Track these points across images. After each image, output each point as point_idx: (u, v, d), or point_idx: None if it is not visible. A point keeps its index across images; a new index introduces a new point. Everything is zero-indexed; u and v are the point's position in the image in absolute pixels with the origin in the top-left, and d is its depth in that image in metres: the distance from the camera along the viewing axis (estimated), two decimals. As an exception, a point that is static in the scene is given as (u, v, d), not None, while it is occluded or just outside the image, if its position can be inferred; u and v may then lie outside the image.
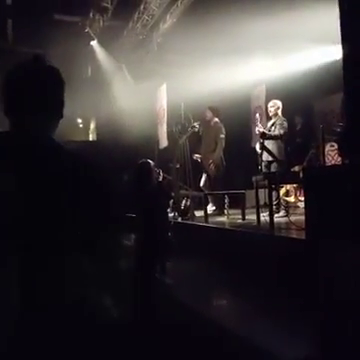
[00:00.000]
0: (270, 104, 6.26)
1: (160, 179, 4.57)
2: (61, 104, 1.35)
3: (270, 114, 6.30)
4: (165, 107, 10.04)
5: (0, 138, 1.21)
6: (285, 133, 6.05)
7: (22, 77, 1.28)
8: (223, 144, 7.26)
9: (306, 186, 3.71)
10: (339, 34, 3.40)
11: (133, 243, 4.65)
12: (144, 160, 4.27)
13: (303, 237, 3.80)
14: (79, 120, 11.97)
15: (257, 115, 6.46)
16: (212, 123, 7.35)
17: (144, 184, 4.21)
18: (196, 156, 7.59)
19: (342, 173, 3.45)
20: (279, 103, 6.24)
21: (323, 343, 2.54)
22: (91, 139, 12.06)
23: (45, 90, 1.30)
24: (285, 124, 6.11)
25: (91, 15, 8.78)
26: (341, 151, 4.24)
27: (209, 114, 7.37)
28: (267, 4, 6.70)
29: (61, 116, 1.36)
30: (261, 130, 6.05)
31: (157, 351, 2.61)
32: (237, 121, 8.10)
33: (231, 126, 7.73)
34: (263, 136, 6.01)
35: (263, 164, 6.01)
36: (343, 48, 3.35)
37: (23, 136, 1.24)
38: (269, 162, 6.04)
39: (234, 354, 2.54)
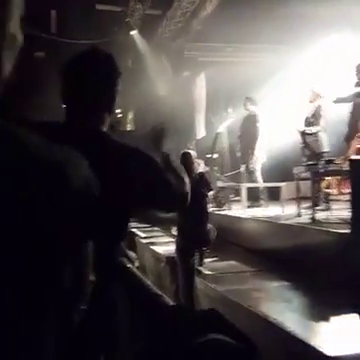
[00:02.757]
0: (309, 90, 6.09)
1: (201, 170, 4.57)
2: (113, 99, 1.36)
3: (310, 100, 6.13)
4: (203, 96, 10.00)
5: (59, 129, 1.24)
6: (325, 123, 5.91)
7: (80, 69, 1.30)
8: (261, 134, 7.15)
9: (353, 178, 3.61)
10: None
11: (174, 233, 4.71)
12: (186, 150, 4.28)
13: (345, 230, 3.73)
14: (118, 110, 12.10)
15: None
16: (250, 113, 7.24)
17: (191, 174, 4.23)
18: (237, 147, 7.50)
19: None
20: (318, 89, 6.05)
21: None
22: (129, 129, 12.20)
23: (102, 84, 1.31)
24: (324, 113, 5.94)
25: (131, 4, 8.80)
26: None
27: (247, 104, 7.27)
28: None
29: (112, 111, 1.37)
30: (300, 130, 5.93)
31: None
32: (277, 110, 7.94)
33: (271, 116, 7.59)
34: (303, 134, 5.89)
35: (305, 156, 5.90)
36: None
37: (80, 128, 1.27)
38: (311, 154, 5.91)
39: (276, 347, 2.54)
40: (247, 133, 7.20)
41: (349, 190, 4.36)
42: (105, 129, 1.33)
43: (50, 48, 9.11)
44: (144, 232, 7.13)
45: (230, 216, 6.13)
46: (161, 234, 7.10)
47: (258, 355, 0.78)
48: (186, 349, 0.70)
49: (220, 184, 7.21)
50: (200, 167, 4.57)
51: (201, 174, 4.51)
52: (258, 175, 7.04)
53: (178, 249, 4.42)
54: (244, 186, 6.51)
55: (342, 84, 6.16)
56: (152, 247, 5.90)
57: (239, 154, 7.44)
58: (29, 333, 0.49)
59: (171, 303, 0.91)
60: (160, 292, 1.06)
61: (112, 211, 1.07)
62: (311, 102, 6.10)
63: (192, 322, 0.77)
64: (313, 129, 5.92)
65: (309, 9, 6.97)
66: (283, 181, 6.65)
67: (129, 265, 1.55)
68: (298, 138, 6.10)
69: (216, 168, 7.97)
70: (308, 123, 6.04)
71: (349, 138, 5.38)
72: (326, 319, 2.90)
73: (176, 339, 0.72)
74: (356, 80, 5.55)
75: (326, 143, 5.96)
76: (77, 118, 1.28)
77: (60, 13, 9.33)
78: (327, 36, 7.42)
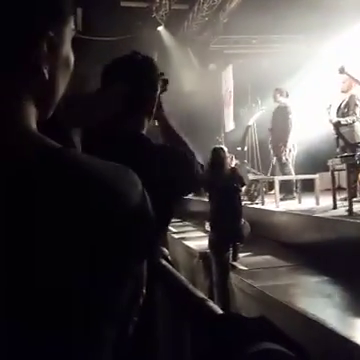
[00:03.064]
0: (342, 79, 5.90)
1: (233, 165, 4.54)
2: (154, 103, 1.36)
3: (342, 90, 5.95)
4: (231, 89, 9.90)
5: (102, 132, 1.25)
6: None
7: (122, 73, 1.30)
8: (293, 126, 7.01)
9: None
10: None
11: (207, 228, 4.71)
12: (218, 147, 4.27)
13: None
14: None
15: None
16: (281, 105, 7.11)
17: (218, 170, 4.21)
18: (269, 139, 7.38)
19: None
20: (350, 76, 5.83)
21: None
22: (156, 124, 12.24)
23: (143, 88, 1.31)
24: (359, 103, 5.75)
25: (157, 0, 8.79)
26: None
27: (277, 96, 7.13)
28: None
29: (152, 115, 1.37)
30: (334, 120, 5.76)
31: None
32: (308, 101, 7.76)
33: (302, 107, 7.43)
34: (337, 125, 5.72)
35: (339, 147, 5.74)
36: None
37: (121, 131, 1.27)
38: (346, 145, 5.74)
39: (317, 345, 2.48)
40: (278, 125, 7.08)
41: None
42: (144, 132, 1.33)
43: (76, 46, 9.22)
44: (175, 227, 7.15)
45: (263, 210, 6.06)
46: (193, 229, 7.11)
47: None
48: (236, 360, 0.69)
49: (252, 177, 7.13)
50: (232, 162, 4.53)
51: (233, 169, 4.49)
52: (291, 167, 6.93)
53: (211, 244, 4.42)
54: (277, 179, 6.41)
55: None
56: (184, 242, 5.90)
57: (270, 146, 7.33)
58: (87, 354, 0.49)
59: (218, 309, 0.89)
60: (205, 296, 1.05)
61: (159, 215, 1.07)
62: (344, 92, 5.92)
63: (242, 330, 0.75)
64: (348, 119, 5.74)
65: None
66: (316, 173, 6.52)
67: (169, 266, 1.54)
68: (330, 129, 5.93)
69: (247, 162, 7.89)
70: (341, 114, 5.86)
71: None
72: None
73: (225, 349, 0.70)
74: None
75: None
76: (118, 121, 1.28)
77: (86, 11, 9.42)
78: (357, 22, 7.16)
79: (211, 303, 0.96)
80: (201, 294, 1.07)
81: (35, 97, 0.55)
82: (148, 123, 1.36)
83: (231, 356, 0.70)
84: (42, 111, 0.57)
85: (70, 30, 0.59)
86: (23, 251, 0.46)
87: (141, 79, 1.30)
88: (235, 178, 4.42)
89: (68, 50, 0.60)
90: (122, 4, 9.25)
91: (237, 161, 6.00)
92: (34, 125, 0.55)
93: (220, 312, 0.91)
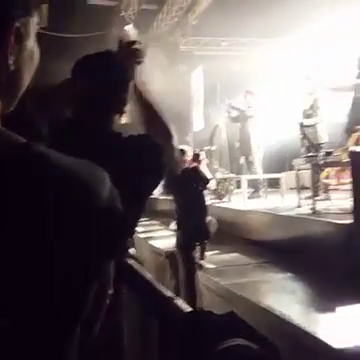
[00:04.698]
0: (306, 79, 6.09)
1: (203, 162, 4.58)
2: (124, 101, 1.35)
3: (308, 92, 6.14)
4: (201, 89, 9.97)
5: (71, 129, 1.22)
6: (323, 114, 5.94)
7: (93, 70, 1.29)
8: (260, 126, 7.15)
9: (354, 169, 3.61)
10: None
11: (174, 227, 4.71)
12: (180, 147, 4.29)
13: (347, 221, 3.73)
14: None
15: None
16: (250, 105, 7.22)
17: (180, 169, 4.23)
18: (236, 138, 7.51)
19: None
20: (315, 81, 6.05)
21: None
22: (124, 122, 12.16)
23: (114, 85, 1.30)
24: (322, 105, 5.96)
25: (126, -1, 8.73)
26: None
27: (247, 96, 7.24)
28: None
29: (122, 113, 1.36)
30: (299, 121, 5.95)
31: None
32: (275, 102, 7.93)
33: (269, 108, 7.59)
34: (302, 126, 5.91)
35: (304, 147, 5.91)
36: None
37: (92, 129, 1.25)
38: (310, 145, 5.91)
39: (282, 341, 2.53)
40: (246, 125, 7.19)
41: (348, 180, 4.37)
42: (113, 128, 1.32)
43: (41, 42, 8.99)
44: (142, 226, 7.10)
45: (230, 208, 6.13)
46: (159, 228, 7.09)
47: (280, 358, 0.77)
48: (206, 357, 0.69)
49: (219, 176, 7.20)
50: (202, 159, 4.57)
51: (195, 168, 4.53)
52: (257, 166, 7.05)
53: (178, 243, 4.42)
54: (244, 178, 6.51)
55: (339, 75, 6.17)
56: (151, 242, 5.87)
57: (238, 145, 7.44)
58: (53, 352, 0.48)
59: (186, 307, 0.89)
60: (173, 294, 1.04)
61: (131, 211, 1.05)
62: (310, 94, 6.10)
63: (211, 327, 0.75)
64: (311, 121, 5.93)
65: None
66: (281, 172, 6.67)
67: (136, 265, 1.53)
68: (296, 129, 6.10)
69: (215, 161, 7.97)
70: (306, 115, 6.06)
71: (349, 129, 5.38)
72: (331, 310, 2.90)
73: (195, 346, 0.70)
74: (358, 71, 5.54)
75: (325, 134, 5.99)
76: (87, 119, 1.27)
77: (52, 7, 9.20)
78: (323, 25, 7.40)
79: (179, 301, 0.95)
80: (169, 293, 1.07)
81: None
82: (119, 119, 1.34)
83: (201, 353, 0.70)
84: (5, 104, 0.55)
85: (35, 23, 0.58)
86: None
87: (110, 76, 1.29)
88: (198, 177, 4.46)
89: (33, 43, 0.59)
90: (89, 2, 9.11)
91: (206, 159, 6.03)
92: None
93: (188, 310, 0.91)
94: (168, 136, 1.37)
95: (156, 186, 1.31)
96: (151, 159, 1.23)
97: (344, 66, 6.17)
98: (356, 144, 5.07)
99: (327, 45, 7.58)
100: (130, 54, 1.40)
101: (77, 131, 1.23)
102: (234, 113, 7.33)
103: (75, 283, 0.47)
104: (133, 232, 1.31)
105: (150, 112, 1.38)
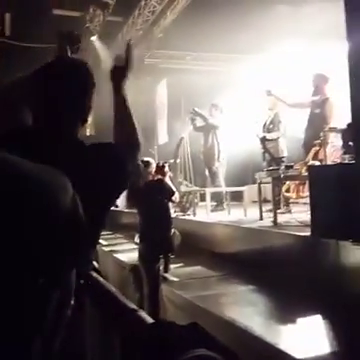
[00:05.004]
0: (265, 92, 6.27)
1: (167, 175, 4.57)
2: (88, 108, 1.34)
3: (269, 108, 6.32)
4: (165, 102, 10.04)
5: (35, 138, 1.19)
6: (284, 129, 6.13)
7: (55, 77, 1.27)
8: (221, 140, 7.28)
9: (311, 183, 3.74)
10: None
11: (137, 240, 4.67)
12: (144, 159, 4.30)
13: (306, 233, 3.84)
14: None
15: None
16: (214, 119, 7.35)
17: (143, 181, 4.23)
18: (200, 151, 7.58)
19: (346, 171, 3.48)
20: (277, 97, 6.23)
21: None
22: (88, 134, 12.04)
23: (77, 92, 1.29)
24: (282, 120, 6.16)
25: (91, 10, 8.72)
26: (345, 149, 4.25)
27: (212, 110, 7.37)
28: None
29: (86, 121, 1.35)
30: (260, 136, 6.11)
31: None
32: (238, 117, 8.11)
33: (232, 122, 7.74)
34: (263, 140, 6.07)
35: (265, 160, 6.07)
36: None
37: (54, 137, 1.23)
38: (271, 159, 6.08)
39: (245, 352, 2.56)
40: (210, 138, 7.30)
41: (307, 194, 4.51)
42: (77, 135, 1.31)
43: (3, 51, 8.82)
44: (106, 239, 7.02)
45: (194, 221, 6.17)
46: (123, 241, 7.02)
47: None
48: (169, 368, 0.69)
49: (184, 189, 7.24)
50: (167, 171, 4.55)
51: (160, 180, 4.52)
52: (221, 179, 7.15)
53: (141, 256, 4.37)
54: (208, 190, 6.58)
55: (298, 91, 6.40)
56: (115, 255, 5.81)
57: (202, 157, 7.53)
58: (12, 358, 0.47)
59: (149, 318, 0.89)
60: (136, 307, 1.03)
61: (94, 220, 1.04)
62: (270, 109, 6.29)
63: (173, 338, 0.75)
64: (273, 135, 6.11)
65: (267, 19, 7.19)
66: (244, 185, 6.79)
67: (98, 277, 1.51)
68: (258, 144, 6.26)
69: (179, 173, 8.01)
70: (267, 129, 6.23)
71: (307, 144, 5.58)
72: (291, 321, 2.96)
73: (157, 358, 0.70)
74: (313, 89, 5.78)
75: (285, 148, 6.18)
76: (50, 126, 1.24)
77: (15, 16, 9.05)
78: (283, 46, 7.69)
79: (142, 313, 0.95)
80: (132, 305, 1.06)
81: None
82: (81, 128, 1.33)
83: (163, 364, 0.70)
84: None
85: None
86: None
87: (72, 82, 1.28)
88: (163, 189, 4.46)
89: None
90: (54, 12, 9.03)
91: (170, 172, 6.06)
92: None
93: (151, 321, 0.91)
94: (136, 142, 1.37)
95: (119, 195, 1.30)
96: (114, 168, 1.23)
97: (301, 84, 6.42)
98: (314, 158, 5.26)
99: (287, 64, 7.89)
100: (70, 41, 1.41)
101: (39, 138, 1.20)
102: (198, 122, 7.42)
103: (36, 292, 0.46)
104: (97, 242, 1.29)
105: (126, 112, 1.39)
